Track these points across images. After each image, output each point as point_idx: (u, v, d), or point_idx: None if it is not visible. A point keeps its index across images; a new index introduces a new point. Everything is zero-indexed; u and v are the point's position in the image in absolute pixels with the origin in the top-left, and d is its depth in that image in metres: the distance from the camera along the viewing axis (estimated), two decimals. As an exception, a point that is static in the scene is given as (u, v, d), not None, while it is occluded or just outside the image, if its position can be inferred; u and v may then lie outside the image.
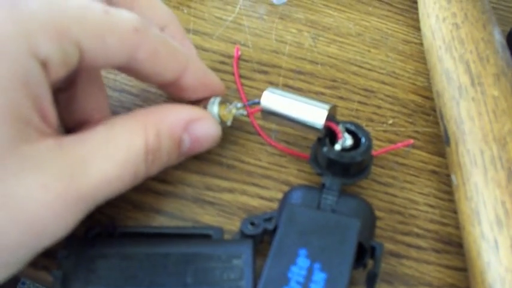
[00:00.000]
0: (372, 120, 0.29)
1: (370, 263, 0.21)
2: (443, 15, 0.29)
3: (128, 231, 0.22)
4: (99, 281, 0.20)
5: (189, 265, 0.20)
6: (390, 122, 0.29)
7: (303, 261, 0.19)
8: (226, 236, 0.23)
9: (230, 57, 0.30)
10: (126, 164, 0.18)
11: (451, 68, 0.27)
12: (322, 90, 0.30)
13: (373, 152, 0.24)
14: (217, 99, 0.24)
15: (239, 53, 0.30)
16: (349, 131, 0.23)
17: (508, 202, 0.21)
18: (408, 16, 0.36)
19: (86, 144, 0.18)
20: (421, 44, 0.33)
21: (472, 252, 0.21)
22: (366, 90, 0.30)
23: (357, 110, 0.29)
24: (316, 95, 0.29)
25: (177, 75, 0.22)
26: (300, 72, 0.30)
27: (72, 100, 0.21)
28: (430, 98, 0.31)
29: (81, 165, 0.17)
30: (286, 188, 0.24)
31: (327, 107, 0.23)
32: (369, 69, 0.31)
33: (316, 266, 0.19)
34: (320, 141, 0.23)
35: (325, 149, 0.22)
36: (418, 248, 0.24)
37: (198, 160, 0.25)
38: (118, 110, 0.27)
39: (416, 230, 0.25)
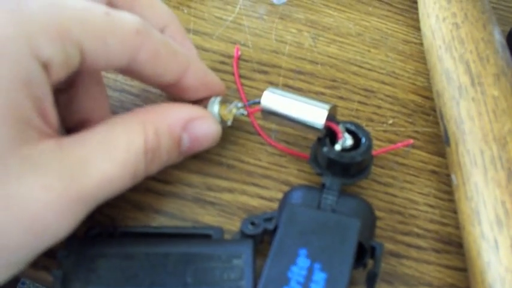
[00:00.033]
0: (371, 120, 0.29)
1: (370, 263, 0.21)
2: (443, 15, 0.29)
3: (128, 231, 0.22)
4: (99, 280, 0.20)
5: (189, 265, 0.20)
6: (390, 122, 0.29)
7: (303, 261, 0.19)
8: (227, 236, 0.23)
9: (230, 57, 0.30)
10: (126, 163, 0.18)
11: (451, 68, 0.27)
12: (322, 90, 0.30)
13: (373, 152, 0.24)
14: (218, 99, 0.24)
15: (239, 53, 0.30)
16: (349, 131, 0.23)
17: (508, 202, 0.21)
18: (408, 16, 0.36)
19: (86, 144, 0.18)
20: (421, 44, 0.33)
21: (472, 252, 0.21)
22: (366, 90, 0.30)
23: (357, 110, 0.29)
24: (316, 95, 0.29)
25: (177, 77, 0.22)
26: (300, 72, 0.30)
27: (72, 100, 0.21)
28: (430, 98, 0.31)
29: (81, 165, 0.17)
30: (286, 188, 0.24)
31: (327, 107, 0.23)
32: (369, 69, 0.31)
33: (316, 265, 0.19)
34: (320, 141, 0.23)
35: (325, 149, 0.22)
36: (418, 248, 0.24)
37: (198, 160, 0.25)
38: (118, 110, 0.27)
39: (416, 230, 0.25)
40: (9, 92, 0.16)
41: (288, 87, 0.29)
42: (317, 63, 0.31)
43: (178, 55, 0.22)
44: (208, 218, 0.24)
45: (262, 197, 0.25)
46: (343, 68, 0.31)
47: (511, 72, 0.26)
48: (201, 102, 0.24)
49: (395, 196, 0.26)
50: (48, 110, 0.17)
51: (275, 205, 0.24)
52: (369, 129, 0.28)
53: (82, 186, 0.17)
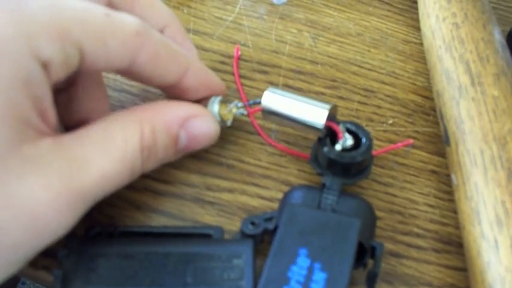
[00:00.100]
0: (371, 120, 0.29)
1: (370, 262, 0.21)
2: (443, 15, 0.29)
3: (128, 230, 0.22)
4: (100, 280, 0.20)
5: (189, 265, 0.20)
6: (390, 122, 0.29)
7: (303, 260, 0.19)
8: (227, 236, 0.23)
9: (230, 57, 0.30)
10: (123, 160, 0.19)
11: (451, 67, 0.27)
12: (322, 90, 0.30)
13: (373, 152, 0.24)
14: (218, 99, 0.24)
15: (239, 53, 0.30)
16: (349, 131, 0.23)
17: (508, 202, 0.21)
18: (408, 16, 0.36)
19: (84, 142, 0.18)
20: (421, 44, 0.33)
21: (472, 251, 0.21)
22: (366, 90, 0.30)
23: (357, 110, 0.29)
24: (316, 95, 0.29)
25: (178, 77, 0.22)
26: (300, 72, 0.30)
27: (72, 100, 0.21)
28: (430, 98, 0.31)
29: (80, 163, 0.17)
30: (286, 188, 0.24)
31: (328, 106, 0.23)
32: (369, 69, 0.31)
33: (317, 265, 0.19)
34: (320, 141, 0.23)
35: (325, 149, 0.22)
36: (418, 247, 0.24)
37: (198, 160, 0.25)
38: (118, 110, 0.26)
39: (416, 229, 0.25)
40: (9, 92, 0.16)
41: (288, 87, 0.29)
42: (317, 63, 0.31)
43: (178, 56, 0.22)
44: (208, 218, 0.24)
45: (262, 197, 0.25)
46: (343, 68, 0.31)
47: (511, 72, 0.26)
48: (201, 101, 0.24)
49: (395, 196, 0.26)
50: (47, 109, 0.17)
51: (275, 205, 0.24)
52: (369, 129, 0.28)
53: (81, 184, 0.17)
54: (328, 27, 0.33)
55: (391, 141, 0.28)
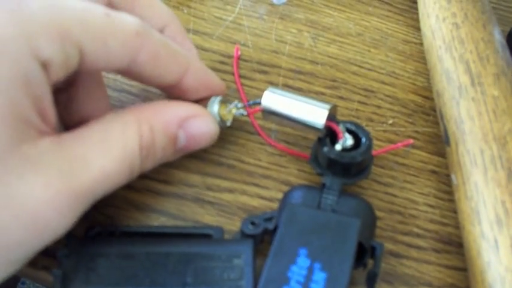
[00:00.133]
0: (371, 120, 0.29)
1: (370, 262, 0.21)
2: (443, 15, 0.29)
3: (128, 230, 0.22)
4: (99, 280, 0.20)
5: (189, 264, 0.20)
6: (390, 122, 0.29)
7: (303, 260, 0.19)
8: (227, 236, 0.23)
9: (230, 57, 0.30)
10: (123, 159, 0.19)
11: (451, 67, 0.27)
12: (322, 90, 0.30)
13: (373, 152, 0.24)
14: (218, 99, 0.24)
15: (239, 52, 0.30)
16: (349, 131, 0.23)
17: (508, 201, 0.21)
18: (408, 16, 0.36)
19: (84, 142, 0.18)
20: (421, 44, 0.33)
21: (472, 251, 0.21)
22: (365, 90, 0.30)
23: (357, 110, 0.29)
24: (316, 95, 0.29)
25: (178, 77, 0.22)
26: (300, 72, 0.30)
27: (72, 100, 0.21)
28: (430, 98, 0.31)
29: (80, 162, 0.17)
30: (286, 188, 0.24)
31: (328, 106, 0.23)
32: (369, 69, 0.31)
33: (317, 265, 0.19)
34: (320, 141, 0.23)
35: (325, 149, 0.22)
36: (418, 247, 0.24)
37: (198, 160, 0.25)
38: (118, 110, 0.27)
39: (416, 229, 0.25)
40: (9, 91, 0.16)
41: (288, 87, 0.29)
42: (317, 63, 0.31)
43: (178, 56, 0.22)
44: (208, 218, 0.24)
45: (262, 197, 0.25)
46: (343, 68, 0.31)
47: (511, 72, 0.26)
48: (201, 101, 0.24)
49: (395, 196, 0.26)
50: (47, 109, 0.17)
51: (275, 205, 0.24)
52: (369, 129, 0.28)
53: (81, 183, 0.17)
54: (328, 27, 0.33)
55: (391, 141, 0.28)
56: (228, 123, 0.25)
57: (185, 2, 0.33)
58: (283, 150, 0.26)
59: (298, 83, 0.30)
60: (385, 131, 0.28)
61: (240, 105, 0.25)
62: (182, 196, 0.24)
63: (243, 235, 0.21)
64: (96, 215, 0.22)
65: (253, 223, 0.22)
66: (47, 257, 0.21)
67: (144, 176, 0.24)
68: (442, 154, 0.28)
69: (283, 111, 0.23)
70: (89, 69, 0.19)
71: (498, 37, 0.28)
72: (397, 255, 0.24)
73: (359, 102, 0.30)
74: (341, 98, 0.30)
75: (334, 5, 0.35)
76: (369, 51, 0.32)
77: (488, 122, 0.23)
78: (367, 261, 0.21)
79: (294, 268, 0.19)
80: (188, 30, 0.31)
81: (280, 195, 0.25)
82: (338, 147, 0.22)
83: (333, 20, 0.34)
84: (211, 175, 0.25)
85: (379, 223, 0.24)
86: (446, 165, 0.27)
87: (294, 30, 0.32)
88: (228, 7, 0.33)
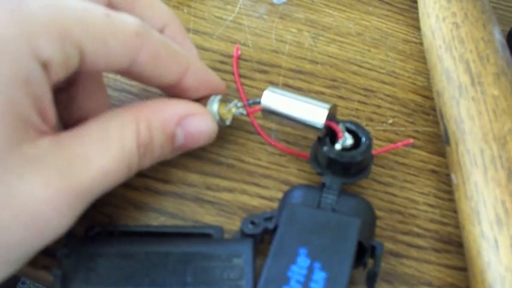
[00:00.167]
0: (371, 120, 0.29)
1: (370, 262, 0.21)
2: (443, 14, 0.29)
3: (128, 230, 0.22)
4: (99, 280, 0.20)
5: (189, 264, 0.20)
6: (390, 121, 0.29)
7: (303, 260, 0.19)
8: (227, 236, 0.23)
9: (230, 56, 0.30)
10: (121, 157, 0.19)
11: (451, 67, 0.27)
12: (322, 89, 0.30)
13: (373, 152, 0.24)
14: (218, 98, 0.24)
15: (239, 52, 0.30)
16: (349, 131, 0.23)
17: (508, 201, 0.21)
18: (408, 16, 0.36)
19: (83, 141, 0.18)
20: (421, 44, 0.33)
21: (472, 251, 0.21)
22: (365, 89, 0.30)
23: (356, 109, 0.29)
24: (316, 95, 0.29)
25: (178, 77, 0.22)
26: (300, 72, 0.30)
27: (72, 99, 0.21)
28: (430, 98, 0.31)
29: (79, 161, 0.17)
30: (286, 188, 0.24)
31: (328, 106, 0.23)
32: (369, 69, 0.31)
33: (316, 265, 0.19)
34: (320, 141, 0.23)
35: (325, 148, 0.22)
36: (418, 247, 0.24)
37: (198, 160, 0.25)
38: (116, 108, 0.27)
39: (416, 229, 0.25)
40: (9, 91, 0.16)
41: (288, 87, 0.29)
42: (317, 63, 0.31)
43: (179, 56, 0.22)
44: (208, 217, 0.24)
45: (262, 197, 0.25)
46: (343, 68, 0.31)
47: (511, 72, 0.26)
48: (201, 100, 0.24)
49: (395, 195, 0.26)
50: (47, 108, 0.17)
51: (275, 205, 0.24)
52: (368, 128, 0.28)
53: (80, 183, 0.17)
54: (328, 27, 0.33)
55: (391, 141, 0.28)
56: (228, 122, 0.25)
57: (185, 2, 0.33)
58: (283, 149, 0.26)
59: (298, 82, 0.30)
60: (385, 131, 0.28)
61: (239, 104, 0.25)
62: (182, 195, 0.24)
63: (243, 235, 0.21)
64: (95, 214, 0.22)
65: (253, 223, 0.22)
66: (47, 256, 0.21)
67: (143, 175, 0.24)
68: (442, 154, 0.28)
69: (283, 111, 0.23)
70: (89, 69, 0.19)
71: (498, 37, 0.28)
72: (397, 255, 0.24)
73: (359, 101, 0.30)
74: (341, 97, 0.30)
75: (334, 5, 0.35)
76: (369, 50, 0.32)
77: (488, 122, 0.23)
78: (367, 261, 0.21)
79: (294, 268, 0.19)
80: (188, 30, 0.31)
81: (280, 195, 0.25)
82: (338, 146, 0.22)
83: (333, 19, 0.34)
84: (211, 174, 0.25)
85: (379, 223, 0.24)
86: (446, 165, 0.27)
87: (294, 30, 0.32)
88: (228, 7, 0.33)
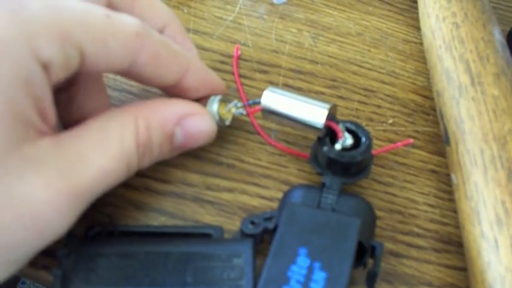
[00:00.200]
0: (371, 120, 0.29)
1: (370, 262, 0.21)
2: (443, 14, 0.29)
3: (128, 230, 0.22)
4: (99, 280, 0.20)
5: (189, 264, 0.20)
6: (390, 121, 0.29)
7: (303, 260, 0.19)
8: (227, 236, 0.23)
9: (230, 56, 0.30)
10: (121, 157, 0.19)
11: (451, 67, 0.27)
12: (322, 89, 0.30)
13: (373, 152, 0.24)
14: (218, 98, 0.24)
15: (239, 52, 0.30)
16: (349, 131, 0.23)
17: (508, 201, 0.21)
18: (408, 16, 0.36)
19: (83, 141, 0.18)
20: (421, 44, 0.33)
21: (472, 251, 0.21)
22: (365, 89, 0.30)
23: (356, 109, 0.29)
24: (316, 95, 0.29)
25: (178, 78, 0.22)
26: (300, 72, 0.30)
27: (73, 100, 0.21)
28: (430, 98, 0.31)
29: (79, 161, 0.17)
30: (286, 188, 0.24)
31: (327, 106, 0.23)
32: (369, 69, 0.31)
33: (316, 265, 0.19)
34: (320, 141, 0.23)
35: (325, 148, 0.22)
36: (418, 247, 0.24)
37: (198, 160, 0.25)
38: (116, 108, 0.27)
39: (416, 229, 0.25)
40: (9, 92, 0.16)
41: (288, 87, 0.29)
42: (317, 63, 0.31)
43: (179, 56, 0.22)
44: (208, 217, 0.24)
45: (262, 197, 0.25)
46: (343, 68, 0.31)
47: (511, 72, 0.26)
48: (201, 100, 0.24)
49: (395, 195, 0.26)
50: (47, 109, 0.17)
51: (275, 204, 0.24)
52: (368, 128, 0.28)
53: (80, 182, 0.17)
54: (328, 27, 0.33)
55: (391, 141, 0.28)
56: (228, 122, 0.25)
57: (185, 2, 0.33)
58: (283, 149, 0.26)
59: (298, 82, 0.30)
60: (385, 131, 0.28)
61: (239, 104, 0.25)
62: (181, 195, 0.24)
63: (243, 234, 0.21)
64: (95, 214, 0.22)
65: (253, 222, 0.22)
66: (47, 256, 0.21)
67: (143, 175, 0.24)
68: (442, 154, 0.28)
69: (283, 111, 0.23)
70: (90, 70, 0.19)
71: (498, 37, 0.28)
72: (397, 255, 0.24)
73: (359, 101, 0.30)
74: (341, 97, 0.30)
75: (334, 5, 0.35)
76: (369, 50, 0.32)
77: (488, 122, 0.23)
78: (367, 261, 0.21)
79: (294, 268, 0.19)
80: (188, 30, 0.31)
81: (280, 195, 0.25)
82: (338, 146, 0.22)
83: (333, 19, 0.34)
84: (211, 174, 0.25)
85: (379, 223, 0.24)
86: (446, 165, 0.27)
87: (294, 30, 0.32)
88: (228, 7, 0.33)
